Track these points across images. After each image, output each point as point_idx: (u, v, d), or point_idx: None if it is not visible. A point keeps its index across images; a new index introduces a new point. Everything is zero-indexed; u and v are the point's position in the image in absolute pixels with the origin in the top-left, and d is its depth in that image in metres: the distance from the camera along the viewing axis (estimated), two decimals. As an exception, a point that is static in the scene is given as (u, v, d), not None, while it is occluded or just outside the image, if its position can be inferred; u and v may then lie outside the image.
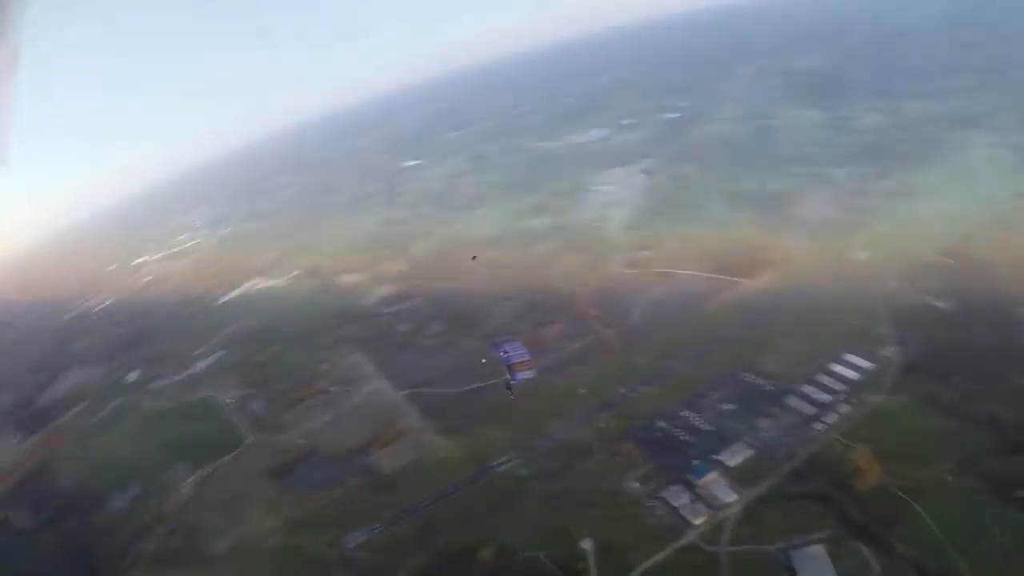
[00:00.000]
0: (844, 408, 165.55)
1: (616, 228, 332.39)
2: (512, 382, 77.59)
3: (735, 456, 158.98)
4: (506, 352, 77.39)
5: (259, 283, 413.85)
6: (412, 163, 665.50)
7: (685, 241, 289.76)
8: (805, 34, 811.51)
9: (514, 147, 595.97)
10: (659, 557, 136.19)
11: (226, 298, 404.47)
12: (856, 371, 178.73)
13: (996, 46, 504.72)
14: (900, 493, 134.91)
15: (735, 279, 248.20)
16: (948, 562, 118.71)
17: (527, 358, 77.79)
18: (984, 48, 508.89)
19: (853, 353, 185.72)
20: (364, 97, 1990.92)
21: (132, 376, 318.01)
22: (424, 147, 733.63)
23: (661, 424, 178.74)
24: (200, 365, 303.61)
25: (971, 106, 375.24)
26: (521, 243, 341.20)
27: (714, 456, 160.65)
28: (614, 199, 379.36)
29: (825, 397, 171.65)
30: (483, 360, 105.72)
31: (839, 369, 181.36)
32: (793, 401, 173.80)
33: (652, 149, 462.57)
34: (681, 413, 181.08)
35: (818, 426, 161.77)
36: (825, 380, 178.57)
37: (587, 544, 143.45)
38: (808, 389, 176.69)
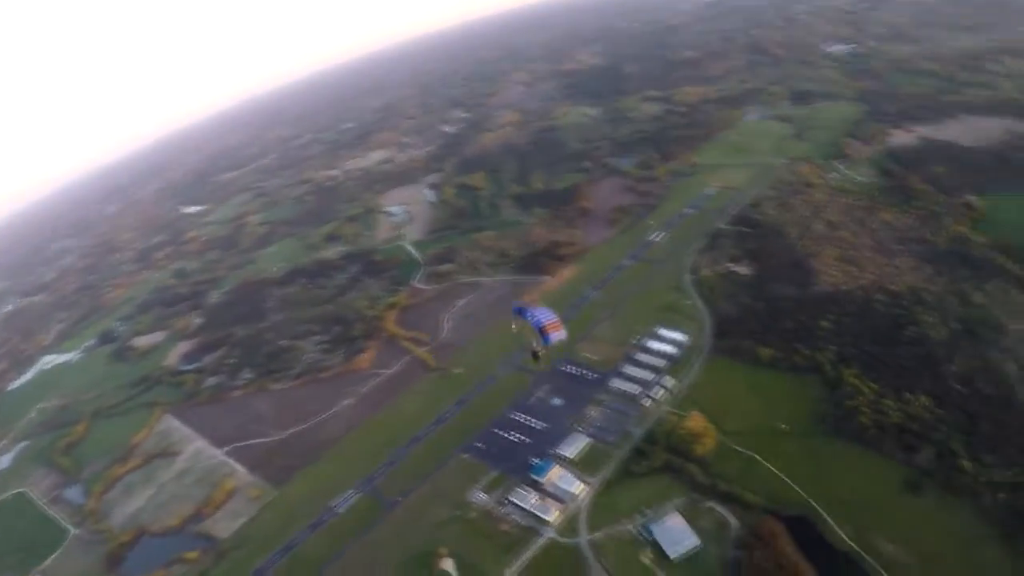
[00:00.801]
0: (668, 381, 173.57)
1: (412, 246, 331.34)
2: (545, 345, 73.52)
3: (573, 447, 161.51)
4: (534, 316, 73.11)
5: (52, 360, 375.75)
6: (194, 209, 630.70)
7: (484, 248, 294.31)
8: (578, 35, 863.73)
9: (297, 179, 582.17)
10: (523, 559, 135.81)
11: (18, 382, 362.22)
12: (672, 344, 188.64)
13: (757, 30, 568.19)
14: (740, 449, 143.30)
15: (539, 277, 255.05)
16: (802, 505, 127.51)
17: (555, 319, 73.76)
18: (747, 32, 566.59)
19: (666, 327, 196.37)
20: (136, 148, 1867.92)
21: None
22: (204, 191, 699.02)
23: (494, 430, 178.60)
24: (4, 460, 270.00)
25: (740, 86, 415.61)
26: (318, 274, 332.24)
27: (553, 451, 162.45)
28: (406, 218, 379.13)
29: (647, 374, 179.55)
30: (513, 327, 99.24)
31: (655, 345, 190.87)
32: (618, 383, 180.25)
33: (437, 163, 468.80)
34: (511, 416, 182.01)
35: (646, 402, 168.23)
36: (644, 358, 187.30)
37: (448, 564, 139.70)
38: (630, 369, 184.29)
